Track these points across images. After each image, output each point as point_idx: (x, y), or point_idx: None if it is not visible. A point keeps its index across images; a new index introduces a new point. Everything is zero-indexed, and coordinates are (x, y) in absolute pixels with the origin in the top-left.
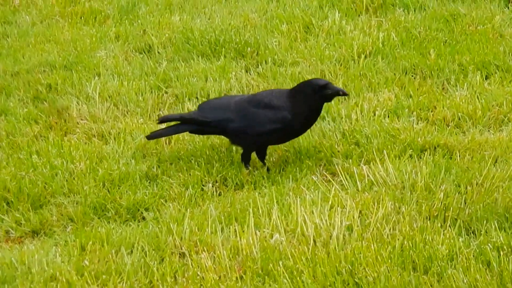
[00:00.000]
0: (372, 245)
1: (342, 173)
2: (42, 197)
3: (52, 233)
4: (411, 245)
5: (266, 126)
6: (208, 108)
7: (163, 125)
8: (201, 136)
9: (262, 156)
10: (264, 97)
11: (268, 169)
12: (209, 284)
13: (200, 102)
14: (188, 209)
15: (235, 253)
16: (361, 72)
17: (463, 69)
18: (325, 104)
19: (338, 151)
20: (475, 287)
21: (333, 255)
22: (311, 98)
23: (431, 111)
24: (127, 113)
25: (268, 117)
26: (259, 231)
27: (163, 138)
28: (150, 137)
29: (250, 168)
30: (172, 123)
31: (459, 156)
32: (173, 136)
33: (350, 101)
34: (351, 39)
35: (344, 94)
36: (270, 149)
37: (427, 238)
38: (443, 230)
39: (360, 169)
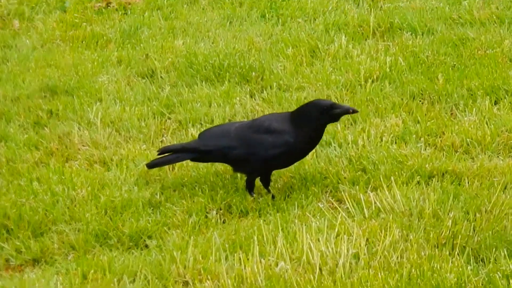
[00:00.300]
0: (379, 273)
1: (349, 200)
2: (43, 225)
3: (53, 261)
4: (419, 273)
5: (268, 152)
6: (209, 136)
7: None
8: (205, 162)
9: (266, 183)
10: (264, 122)
11: (273, 196)
12: None
13: (204, 128)
14: (192, 237)
15: (239, 282)
16: (368, 97)
17: (472, 94)
18: (332, 129)
19: (345, 178)
20: None
21: (339, 283)
22: (317, 120)
23: (439, 137)
24: (130, 139)
25: (270, 142)
26: (264, 259)
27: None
28: (150, 165)
29: (254, 195)
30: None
31: (468, 182)
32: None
33: (356, 126)
34: (357, 63)
35: (354, 111)
36: (275, 175)
37: (435, 266)
38: (452, 258)
39: (367, 196)
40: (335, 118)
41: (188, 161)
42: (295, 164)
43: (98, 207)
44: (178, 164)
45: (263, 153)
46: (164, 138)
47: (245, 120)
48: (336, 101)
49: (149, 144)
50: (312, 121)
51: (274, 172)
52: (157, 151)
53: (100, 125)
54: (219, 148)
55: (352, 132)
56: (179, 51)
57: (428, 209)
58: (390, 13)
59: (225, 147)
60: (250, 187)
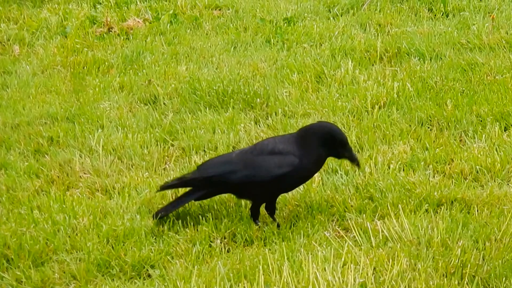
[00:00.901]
0: None
1: (356, 229)
2: (44, 254)
3: None
4: None
5: (274, 171)
6: (209, 165)
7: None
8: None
9: (271, 211)
10: (267, 144)
11: (278, 225)
12: None
13: (208, 155)
14: (196, 266)
15: None
16: (375, 124)
17: (481, 120)
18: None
19: (351, 206)
20: None
21: None
22: (324, 147)
23: (448, 164)
24: (132, 166)
25: (275, 162)
26: None
27: (169, 192)
28: (158, 216)
29: (260, 223)
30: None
31: (477, 211)
32: (179, 189)
33: (363, 153)
34: (364, 89)
35: (357, 166)
36: (280, 203)
37: None
38: None
39: (374, 224)
40: (339, 156)
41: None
42: (301, 192)
43: (100, 236)
44: (181, 191)
45: (268, 173)
46: (167, 166)
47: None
48: (343, 129)
49: (152, 172)
50: (320, 143)
51: (279, 200)
52: (157, 191)
53: (102, 152)
54: (221, 174)
55: (359, 160)
56: (182, 77)
57: (437, 237)
58: (397, 38)
59: (227, 172)
60: (255, 215)
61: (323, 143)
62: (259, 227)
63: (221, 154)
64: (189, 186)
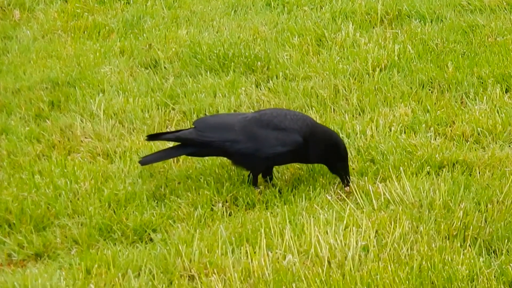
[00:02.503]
0: (389, 266)
1: (357, 192)
2: (45, 219)
3: (56, 256)
4: (429, 265)
5: (276, 149)
6: (208, 127)
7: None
8: (200, 157)
9: (270, 178)
10: (274, 117)
11: (280, 190)
12: None
13: None
14: (198, 230)
15: (246, 276)
16: (376, 86)
17: (482, 82)
18: (340, 119)
19: (353, 169)
20: None
21: (348, 276)
22: (326, 152)
23: (449, 126)
24: (133, 131)
25: (278, 139)
26: (271, 252)
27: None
28: (143, 162)
29: (261, 187)
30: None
31: (479, 173)
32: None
33: (364, 116)
34: (365, 52)
35: (346, 189)
36: (283, 167)
37: (446, 258)
38: (463, 250)
39: (376, 187)
40: (334, 169)
41: None
42: None
43: (102, 201)
44: (182, 156)
45: (270, 150)
46: (168, 129)
47: (244, 112)
48: (344, 92)
49: None
50: (322, 149)
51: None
52: (146, 137)
53: (103, 117)
54: (222, 141)
55: (360, 122)
56: (182, 41)
57: (439, 200)
58: (398, 0)
59: (228, 140)
60: (255, 182)
61: (326, 150)
62: (261, 191)
63: (221, 114)
64: (184, 144)
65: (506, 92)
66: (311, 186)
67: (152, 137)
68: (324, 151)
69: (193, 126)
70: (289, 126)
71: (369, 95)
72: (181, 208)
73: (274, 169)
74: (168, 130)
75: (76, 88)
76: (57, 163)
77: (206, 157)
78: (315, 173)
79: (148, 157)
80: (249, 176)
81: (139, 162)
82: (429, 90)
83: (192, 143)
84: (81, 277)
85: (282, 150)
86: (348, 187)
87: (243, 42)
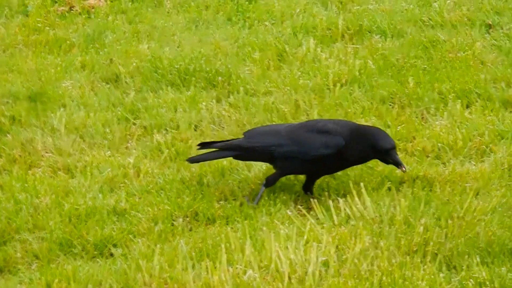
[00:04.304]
0: (349, 281)
1: (318, 207)
2: (6, 233)
3: (16, 271)
4: (390, 281)
5: (319, 151)
6: (255, 134)
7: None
8: (170, 169)
9: (310, 191)
10: (319, 122)
11: (248, 201)
12: None
13: (169, 134)
14: (158, 245)
15: None
16: (336, 102)
17: (443, 98)
18: None
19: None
20: None
21: None
22: (367, 151)
23: (410, 142)
24: (94, 145)
25: (322, 141)
26: (231, 267)
27: (131, 171)
28: (192, 160)
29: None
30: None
31: (439, 188)
32: (141, 169)
33: None
34: (326, 67)
35: (402, 170)
36: (243, 182)
37: (407, 274)
38: (423, 266)
39: (336, 202)
40: (384, 161)
41: (153, 167)
42: (263, 170)
43: (62, 215)
44: (143, 170)
45: (313, 152)
46: (129, 144)
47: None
48: (305, 107)
49: (114, 151)
50: (365, 149)
51: (241, 178)
52: (198, 145)
53: (64, 131)
54: (268, 145)
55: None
56: (144, 56)
57: (399, 215)
58: (359, 16)
59: (274, 144)
60: (271, 182)
61: (371, 148)
62: (259, 198)
63: (270, 124)
64: (233, 150)
65: (466, 108)
66: (271, 202)
67: (203, 145)
68: (367, 150)
69: (243, 136)
70: (333, 129)
71: (330, 110)
72: (142, 223)
73: (234, 183)
74: (129, 144)
75: (37, 102)
76: (17, 177)
77: (167, 172)
78: (276, 188)
79: (197, 156)
80: (270, 176)
81: (187, 160)
82: (390, 105)
83: (240, 149)
84: None
85: (325, 152)
86: (404, 168)
87: (204, 57)
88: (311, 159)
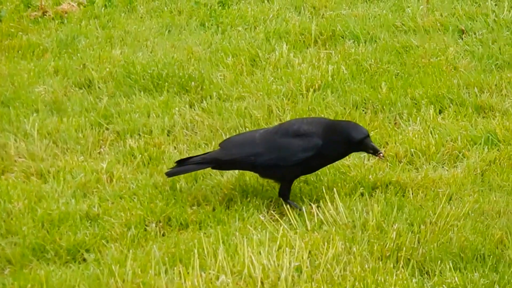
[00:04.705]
0: (322, 286)
1: (291, 212)
2: None
3: None
4: (362, 286)
5: (299, 156)
6: (232, 145)
7: None
8: (143, 174)
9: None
10: (293, 125)
11: (300, 209)
12: None
13: (142, 139)
14: (131, 250)
15: None
16: (309, 107)
17: (416, 103)
18: None
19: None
20: None
21: None
22: (343, 146)
23: (383, 147)
24: (67, 150)
25: (299, 145)
26: (204, 272)
27: (104, 176)
28: (170, 174)
29: (298, 205)
30: None
31: (412, 193)
32: (114, 174)
33: None
34: (299, 72)
35: (380, 156)
36: (216, 187)
37: (379, 279)
38: (396, 271)
39: (309, 208)
40: (361, 150)
41: (126, 172)
42: (236, 175)
43: (35, 220)
44: (116, 175)
45: (291, 158)
46: (102, 149)
47: (266, 128)
48: (278, 112)
49: (87, 156)
50: (339, 144)
51: (214, 183)
52: (175, 162)
53: (37, 136)
54: (246, 156)
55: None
56: (117, 61)
57: (372, 221)
58: (332, 21)
59: (252, 154)
60: (286, 195)
61: (346, 141)
62: (300, 209)
63: (244, 132)
64: (212, 165)
65: (439, 113)
66: (244, 207)
67: (180, 162)
68: (342, 144)
69: (219, 147)
70: (308, 131)
71: (303, 115)
72: (115, 228)
73: (207, 188)
74: (102, 149)
75: (10, 107)
76: None
77: (140, 178)
78: (249, 193)
79: (174, 169)
80: (280, 190)
81: (166, 174)
82: (363, 110)
83: (219, 162)
84: None
85: (304, 155)
86: (381, 154)
87: (177, 62)
88: (294, 164)
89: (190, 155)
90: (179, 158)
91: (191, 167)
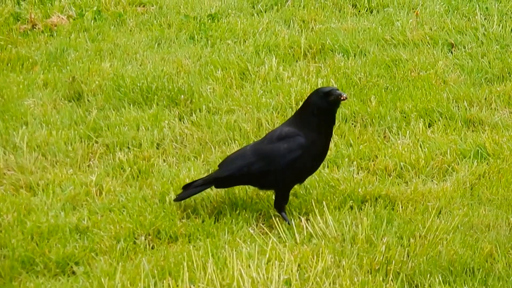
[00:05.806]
0: None
1: (280, 226)
2: None
3: None
4: None
5: (286, 157)
6: (227, 163)
7: None
8: (132, 187)
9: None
10: (275, 131)
11: (288, 222)
12: None
13: (132, 152)
14: (120, 263)
15: None
16: None
17: (405, 117)
18: None
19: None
20: None
21: None
22: (318, 109)
23: (372, 161)
24: (56, 163)
25: (285, 147)
26: (194, 286)
27: (94, 189)
28: (178, 199)
29: (289, 220)
30: None
31: (402, 207)
32: (103, 187)
33: None
34: (288, 85)
35: (344, 97)
36: (205, 200)
37: None
38: (385, 284)
39: (298, 221)
40: (333, 104)
41: (116, 185)
42: (226, 189)
43: (24, 233)
44: (105, 189)
45: (281, 160)
46: (91, 162)
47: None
48: (267, 125)
49: (76, 169)
50: (317, 111)
51: (203, 196)
52: (182, 188)
53: (26, 149)
54: (240, 168)
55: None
56: (106, 74)
57: (361, 234)
58: (321, 34)
59: (245, 165)
60: (279, 207)
61: (317, 109)
62: (289, 223)
63: (237, 150)
64: (214, 184)
65: (429, 127)
66: (233, 220)
67: (186, 187)
68: (319, 118)
69: (218, 168)
70: (289, 132)
71: None
72: (104, 241)
73: (196, 201)
74: (91, 162)
75: None
76: None
77: (129, 191)
78: (238, 206)
79: (182, 194)
80: (274, 202)
81: (175, 200)
82: (352, 124)
83: (220, 180)
84: None
85: (293, 156)
86: (345, 95)
87: (166, 75)
88: (285, 167)
89: (191, 180)
90: (184, 184)
91: (197, 189)
